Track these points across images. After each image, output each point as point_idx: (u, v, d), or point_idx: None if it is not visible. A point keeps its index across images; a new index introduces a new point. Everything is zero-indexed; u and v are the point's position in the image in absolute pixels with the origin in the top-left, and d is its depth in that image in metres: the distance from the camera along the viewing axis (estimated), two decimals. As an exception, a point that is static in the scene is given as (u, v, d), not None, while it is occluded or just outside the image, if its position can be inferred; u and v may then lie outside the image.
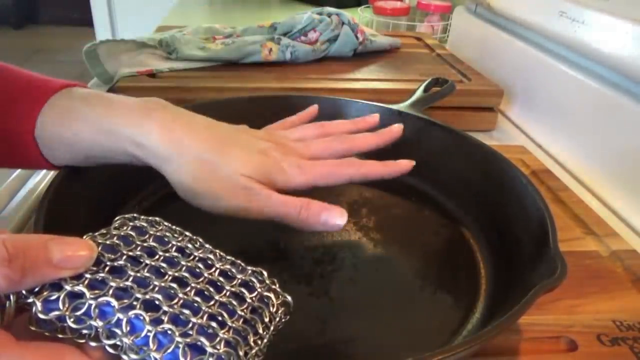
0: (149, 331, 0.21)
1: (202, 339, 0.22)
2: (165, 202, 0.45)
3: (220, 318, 0.23)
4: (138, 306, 0.22)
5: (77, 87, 0.37)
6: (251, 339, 0.23)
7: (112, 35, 1.96)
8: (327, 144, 0.40)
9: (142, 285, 0.22)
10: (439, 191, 0.49)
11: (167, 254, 0.25)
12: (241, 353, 0.22)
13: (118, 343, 0.21)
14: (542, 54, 0.69)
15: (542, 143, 0.67)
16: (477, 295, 0.38)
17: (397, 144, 0.52)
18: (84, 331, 0.21)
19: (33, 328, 0.21)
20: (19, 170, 0.51)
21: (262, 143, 0.38)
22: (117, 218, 0.26)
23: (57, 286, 0.21)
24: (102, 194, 0.40)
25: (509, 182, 0.42)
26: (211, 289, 0.24)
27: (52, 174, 0.50)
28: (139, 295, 0.22)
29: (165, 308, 0.22)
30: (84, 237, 0.24)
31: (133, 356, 0.21)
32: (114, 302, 0.21)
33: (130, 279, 0.22)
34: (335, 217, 0.34)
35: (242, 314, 0.24)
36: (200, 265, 0.25)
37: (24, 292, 0.21)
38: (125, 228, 0.25)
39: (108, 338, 0.21)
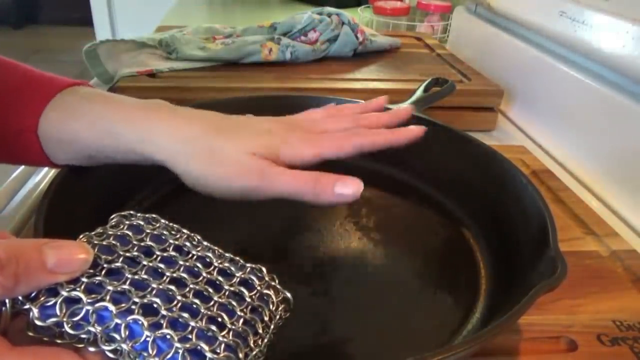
0: (147, 336, 0.21)
1: (202, 344, 0.21)
2: (165, 202, 0.45)
3: (219, 320, 0.23)
4: (136, 311, 0.21)
5: (82, 86, 0.37)
6: (251, 340, 0.23)
7: (112, 35, 1.96)
8: (335, 120, 0.39)
9: (140, 288, 0.22)
10: (439, 191, 0.49)
11: (164, 254, 0.24)
12: (241, 355, 0.22)
13: (117, 348, 0.21)
14: (542, 54, 0.69)
15: (542, 143, 0.67)
16: (477, 295, 0.38)
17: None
18: (83, 336, 0.21)
19: (31, 334, 0.21)
20: (19, 170, 0.51)
21: (267, 123, 0.37)
22: (113, 216, 0.26)
23: (53, 291, 0.21)
24: (103, 194, 0.40)
25: (509, 182, 0.42)
26: (210, 289, 0.24)
27: (52, 173, 0.50)
28: (136, 299, 0.22)
29: (163, 312, 0.22)
30: (80, 237, 0.24)
31: None
32: (112, 307, 0.21)
33: (128, 281, 0.22)
34: (351, 186, 0.32)
35: (242, 314, 0.24)
36: (198, 264, 0.25)
37: (20, 298, 0.20)
38: (121, 227, 0.25)
39: (107, 343, 0.21)
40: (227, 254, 0.26)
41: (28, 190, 0.49)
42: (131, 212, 0.26)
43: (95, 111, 0.34)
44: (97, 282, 0.22)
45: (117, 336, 0.21)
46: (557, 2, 0.63)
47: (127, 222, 0.25)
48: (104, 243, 0.24)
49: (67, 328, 0.21)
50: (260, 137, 0.35)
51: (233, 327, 0.23)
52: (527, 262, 0.35)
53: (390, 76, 0.71)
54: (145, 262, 0.24)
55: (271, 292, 0.26)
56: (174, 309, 0.22)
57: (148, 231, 0.25)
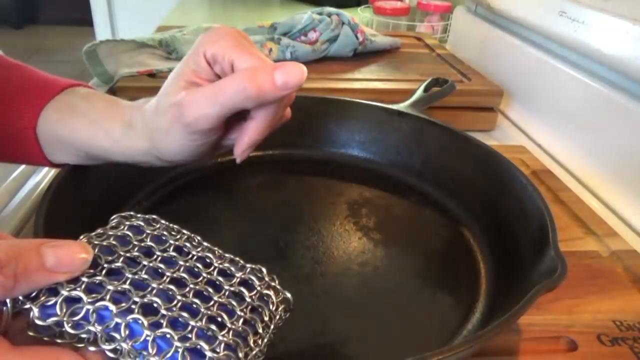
0: (147, 336, 0.21)
1: (202, 343, 0.21)
2: (165, 202, 0.45)
3: (219, 319, 0.23)
4: (136, 310, 0.21)
5: (81, 87, 0.37)
6: (251, 339, 0.23)
7: (112, 35, 1.96)
8: None
9: (140, 288, 0.22)
10: (439, 191, 0.49)
11: (164, 254, 0.25)
12: (241, 355, 0.22)
13: (117, 347, 0.21)
14: (542, 54, 0.69)
15: (542, 143, 0.67)
16: (477, 295, 0.38)
17: (398, 144, 0.52)
18: (83, 336, 0.21)
19: (31, 333, 0.21)
20: (19, 170, 0.51)
21: None
22: (113, 217, 0.26)
23: (54, 291, 0.21)
24: (103, 194, 0.40)
25: (509, 182, 0.42)
26: (210, 289, 0.24)
27: (52, 173, 0.50)
28: (137, 299, 0.22)
29: (163, 312, 0.22)
30: (81, 237, 0.24)
31: None
32: (112, 307, 0.21)
33: (128, 281, 0.22)
34: (292, 70, 0.28)
35: (242, 314, 0.24)
36: (198, 264, 0.25)
37: (20, 297, 0.20)
38: (122, 227, 0.25)
39: (107, 342, 0.21)
40: (227, 255, 0.26)
41: (28, 190, 0.49)
42: (131, 213, 0.26)
43: (94, 109, 0.35)
44: (97, 281, 0.22)
45: (117, 335, 0.21)
46: (557, 2, 0.63)
47: (128, 223, 0.26)
48: (104, 243, 0.24)
49: (67, 327, 0.21)
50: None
51: (233, 326, 0.23)
52: (527, 262, 0.35)
53: (390, 76, 0.71)
54: (145, 262, 0.24)
55: (271, 292, 0.26)
56: (174, 308, 0.22)
57: (148, 232, 0.25)
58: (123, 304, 0.21)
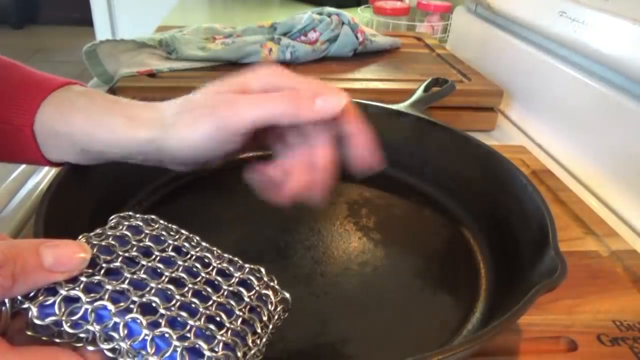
0: (146, 335, 0.21)
1: (200, 342, 0.21)
2: (165, 202, 0.45)
3: (218, 319, 0.23)
4: (135, 310, 0.21)
5: (77, 85, 0.37)
6: (250, 339, 0.23)
7: (112, 35, 1.96)
8: None
9: (138, 288, 0.22)
10: (439, 191, 0.49)
11: (163, 254, 0.25)
12: (240, 354, 0.22)
13: (116, 347, 0.21)
14: (542, 54, 0.69)
15: (542, 143, 0.67)
16: (477, 295, 0.38)
17: (398, 144, 0.52)
18: (81, 335, 0.21)
19: (30, 333, 0.21)
20: (19, 170, 0.51)
21: None
22: (112, 217, 0.26)
23: (52, 290, 0.21)
24: (103, 194, 0.40)
25: (509, 182, 0.42)
26: (209, 289, 0.24)
27: (52, 173, 0.50)
28: (135, 299, 0.22)
29: (162, 311, 0.22)
30: (79, 237, 0.24)
31: None
32: (111, 306, 0.21)
33: (127, 281, 0.22)
34: (332, 98, 0.32)
35: (240, 313, 0.24)
36: (197, 264, 0.25)
37: (19, 297, 0.20)
38: (120, 227, 0.25)
39: (105, 342, 0.21)
40: (225, 255, 0.26)
41: (28, 190, 0.49)
42: (130, 213, 0.26)
43: (93, 104, 0.35)
44: (96, 281, 0.22)
45: (115, 335, 0.21)
46: (557, 2, 0.63)
47: (126, 223, 0.26)
48: (103, 243, 0.24)
49: (65, 327, 0.21)
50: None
51: (231, 326, 0.23)
52: (527, 262, 0.35)
53: (390, 76, 0.71)
54: (144, 262, 0.24)
55: (270, 292, 0.26)
56: (173, 308, 0.22)
57: (147, 232, 0.25)
58: (122, 304, 0.21)
